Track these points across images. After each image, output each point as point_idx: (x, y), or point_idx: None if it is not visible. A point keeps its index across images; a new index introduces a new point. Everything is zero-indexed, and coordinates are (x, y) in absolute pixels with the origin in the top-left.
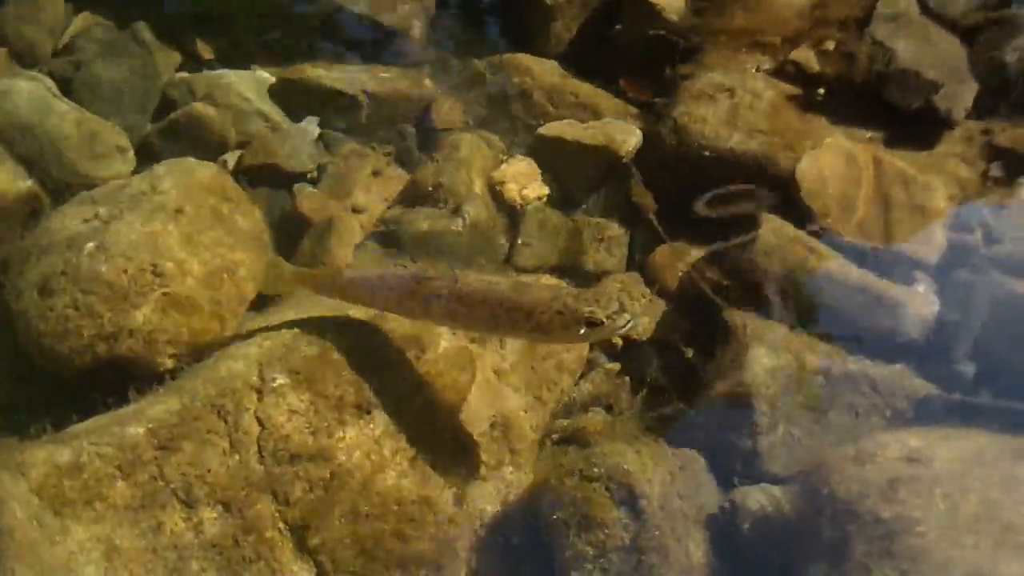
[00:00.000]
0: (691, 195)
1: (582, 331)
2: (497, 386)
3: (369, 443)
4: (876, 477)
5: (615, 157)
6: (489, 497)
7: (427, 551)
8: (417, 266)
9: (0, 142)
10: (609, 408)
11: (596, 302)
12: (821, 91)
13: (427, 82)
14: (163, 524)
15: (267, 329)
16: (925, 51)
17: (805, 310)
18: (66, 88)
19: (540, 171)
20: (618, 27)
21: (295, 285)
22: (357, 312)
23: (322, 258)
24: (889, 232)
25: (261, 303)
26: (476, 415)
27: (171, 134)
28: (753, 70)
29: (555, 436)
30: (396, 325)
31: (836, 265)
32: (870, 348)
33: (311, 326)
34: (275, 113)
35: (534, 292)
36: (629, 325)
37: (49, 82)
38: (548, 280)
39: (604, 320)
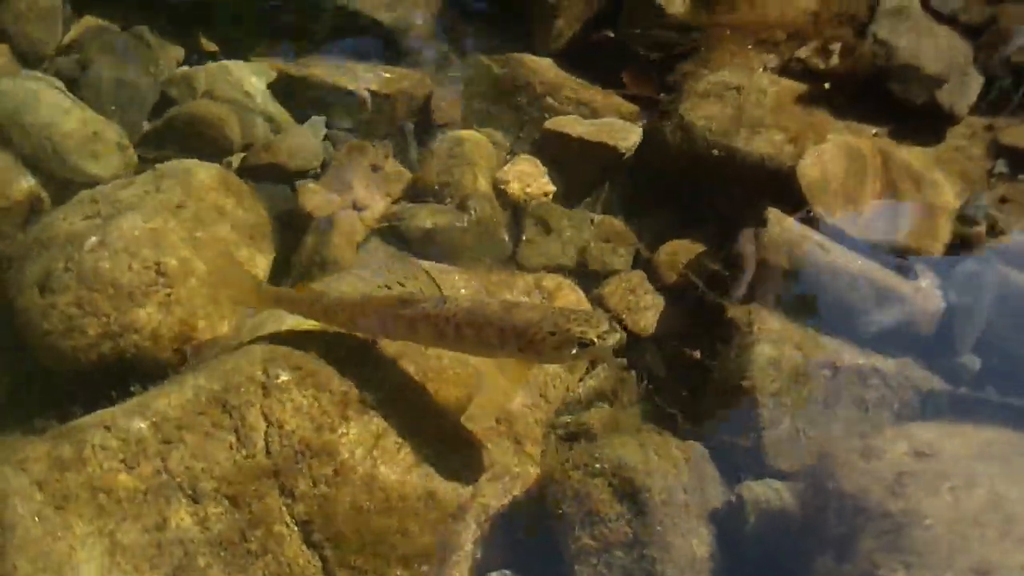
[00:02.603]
0: (695, 192)
1: (574, 351)
2: (502, 382)
3: (372, 439)
4: (883, 471)
5: (615, 154)
6: (494, 492)
7: (431, 546)
8: (402, 290)
9: (2, 140)
10: (613, 403)
11: (587, 322)
12: (827, 86)
13: (429, 79)
14: (168, 519)
15: (272, 332)
16: (926, 47)
17: (810, 304)
18: (71, 87)
19: (545, 168)
20: (620, 25)
21: (276, 307)
22: None
23: (325, 254)
24: (895, 226)
25: None
26: (480, 410)
27: (172, 130)
28: (759, 68)
29: (560, 431)
30: None
31: (842, 259)
32: (876, 342)
33: (316, 325)
34: (278, 111)
35: (524, 312)
36: (618, 343)
37: (55, 81)
38: (553, 279)
39: (595, 340)
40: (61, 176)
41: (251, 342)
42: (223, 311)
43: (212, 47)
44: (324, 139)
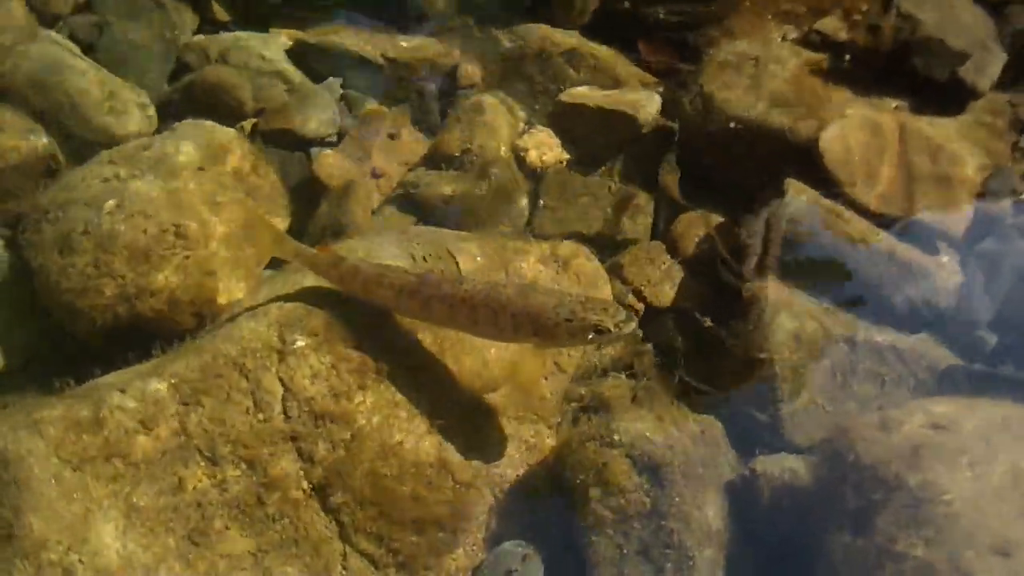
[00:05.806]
0: (713, 161)
1: (589, 337)
2: (517, 351)
3: (389, 406)
4: (901, 444)
5: (634, 124)
6: (508, 461)
7: (444, 513)
8: (421, 266)
9: (17, 98)
10: (631, 374)
11: (604, 310)
12: (847, 58)
13: (449, 49)
14: (185, 481)
15: (287, 297)
16: (950, 21)
17: (830, 278)
18: (87, 48)
19: (561, 139)
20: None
21: (295, 260)
22: None
23: (341, 222)
24: (915, 201)
25: (278, 263)
26: (496, 380)
27: (188, 97)
28: (778, 39)
29: (576, 402)
30: None
31: (861, 233)
32: (894, 317)
33: (332, 291)
34: (294, 75)
35: (540, 298)
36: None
37: (69, 42)
38: (568, 247)
39: (612, 328)
40: (79, 135)
41: (268, 304)
42: (243, 273)
43: (226, 16)
44: (340, 100)
